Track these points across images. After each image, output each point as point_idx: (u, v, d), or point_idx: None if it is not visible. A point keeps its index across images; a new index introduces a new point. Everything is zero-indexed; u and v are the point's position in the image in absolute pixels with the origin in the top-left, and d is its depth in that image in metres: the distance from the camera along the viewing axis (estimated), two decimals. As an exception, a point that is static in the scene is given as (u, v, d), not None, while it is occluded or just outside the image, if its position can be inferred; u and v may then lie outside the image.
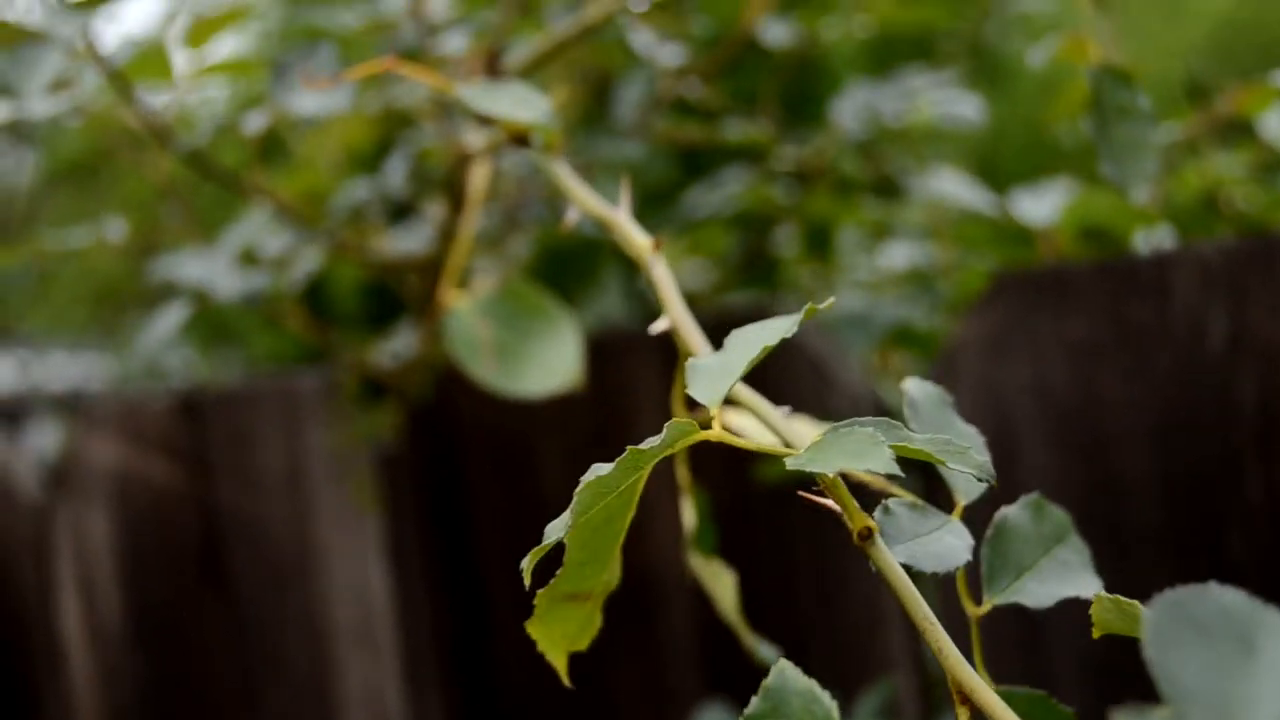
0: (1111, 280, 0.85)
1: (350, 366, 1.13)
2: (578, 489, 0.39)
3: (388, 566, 1.15)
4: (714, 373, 0.41)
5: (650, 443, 0.38)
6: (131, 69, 0.89)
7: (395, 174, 1.02)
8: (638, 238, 0.54)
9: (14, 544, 1.35)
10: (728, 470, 1.01)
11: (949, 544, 0.41)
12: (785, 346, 0.53)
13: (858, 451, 0.35)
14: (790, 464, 0.37)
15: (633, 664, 1.07)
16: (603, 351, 1.04)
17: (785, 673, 0.35)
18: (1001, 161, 1.18)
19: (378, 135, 1.09)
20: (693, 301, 1.11)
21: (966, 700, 0.36)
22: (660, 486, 1.00)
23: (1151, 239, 0.87)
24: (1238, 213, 0.91)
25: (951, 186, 0.91)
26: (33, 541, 1.33)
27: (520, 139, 0.63)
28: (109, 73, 0.84)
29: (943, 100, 0.92)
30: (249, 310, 1.09)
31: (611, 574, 0.44)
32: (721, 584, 0.56)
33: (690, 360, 0.42)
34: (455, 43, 0.87)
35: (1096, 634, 0.37)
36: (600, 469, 0.38)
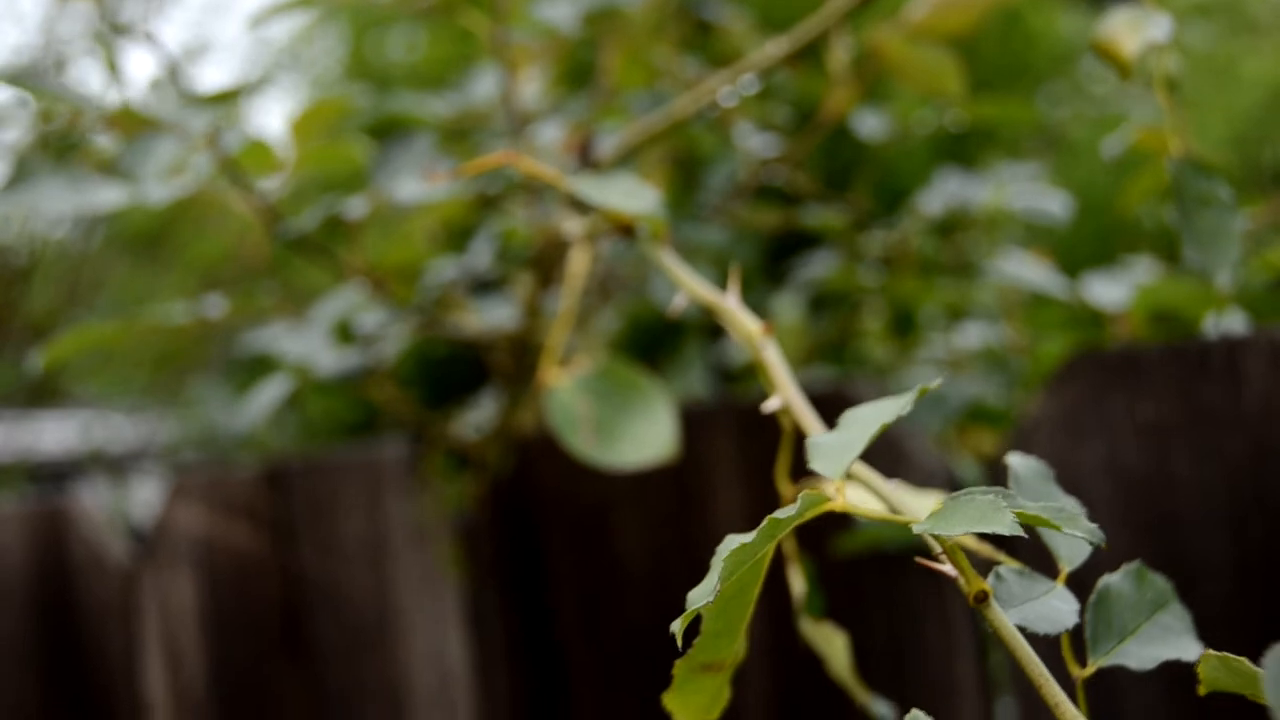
0: (1183, 362, 0.88)
1: (434, 438, 1.17)
2: (719, 556, 0.42)
3: (466, 634, 1.18)
4: (835, 449, 0.45)
5: (785, 512, 0.41)
6: (242, 158, 0.94)
7: (483, 254, 1.07)
8: (748, 323, 0.58)
9: (102, 608, 1.39)
10: (803, 543, 1.04)
11: (1057, 607, 0.44)
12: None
13: (982, 516, 0.38)
14: (917, 529, 0.40)
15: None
16: (685, 427, 1.08)
17: (919, 717, 0.38)
18: (1070, 243, 1.21)
19: (468, 216, 1.14)
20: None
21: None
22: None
23: (1223, 323, 0.90)
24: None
25: (1025, 270, 0.95)
26: (120, 606, 1.37)
27: (626, 228, 0.67)
28: (223, 160, 0.89)
29: (1029, 194, 0.96)
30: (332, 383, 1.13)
31: (740, 645, 0.47)
32: (834, 646, 0.59)
33: (812, 438, 0.45)
34: (550, 133, 0.91)
35: (1203, 691, 0.40)
36: (739, 537, 0.41)
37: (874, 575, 1.01)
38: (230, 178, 0.89)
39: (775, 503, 0.88)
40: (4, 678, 1.45)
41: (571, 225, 0.80)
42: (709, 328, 1.16)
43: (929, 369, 1.02)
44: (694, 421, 1.08)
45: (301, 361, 0.93)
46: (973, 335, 1.03)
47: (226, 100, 0.85)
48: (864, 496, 0.48)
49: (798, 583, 0.60)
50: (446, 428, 1.17)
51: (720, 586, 0.41)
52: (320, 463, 1.24)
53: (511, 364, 1.09)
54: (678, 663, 0.47)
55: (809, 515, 0.42)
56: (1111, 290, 0.90)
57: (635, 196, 0.63)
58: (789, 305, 1.04)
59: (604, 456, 0.72)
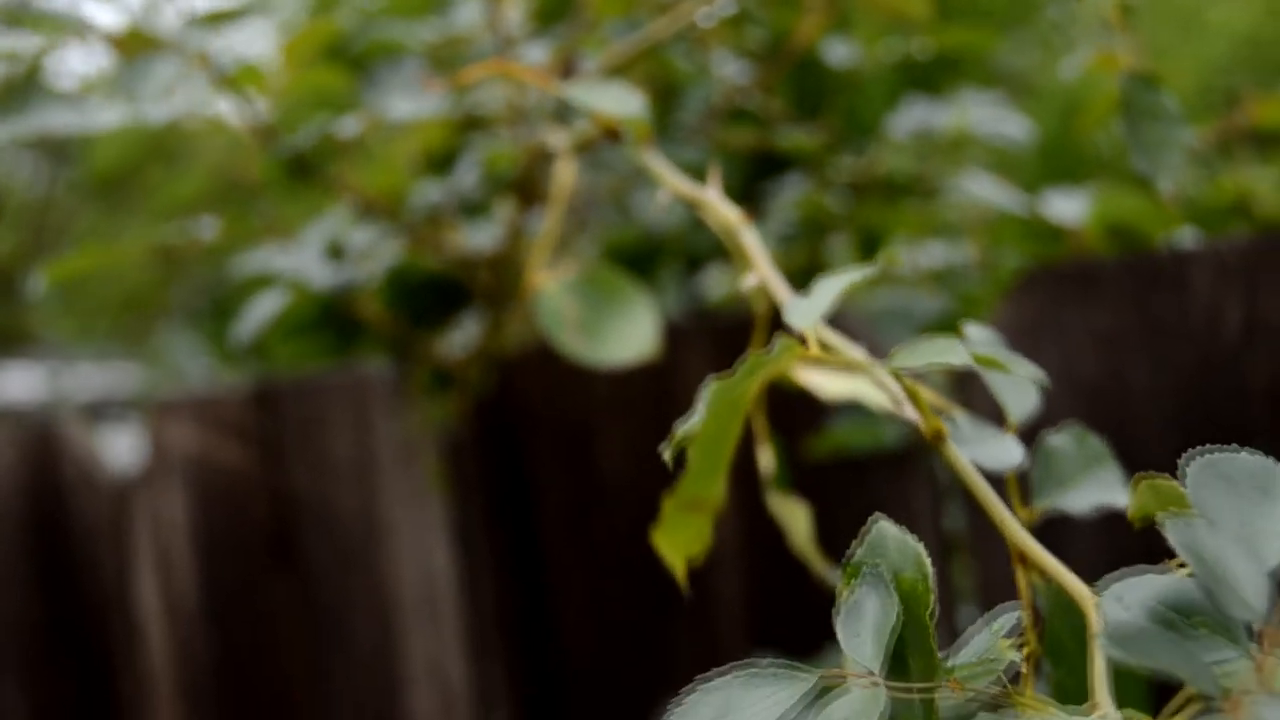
0: (1135, 275, 0.93)
1: (419, 358, 1.21)
2: (704, 391, 0.46)
3: (452, 545, 1.23)
4: (807, 306, 0.50)
5: (764, 352, 0.46)
6: (237, 79, 0.98)
7: (467, 175, 1.11)
8: (728, 211, 0.63)
9: (94, 527, 1.43)
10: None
11: (1006, 449, 0.49)
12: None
13: (940, 352, 0.43)
14: (885, 365, 0.45)
15: (687, 632, 1.14)
16: (664, 342, 1.12)
17: (882, 524, 0.43)
18: (1036, 177, 1.26)
19: (451, 140, 1.18)
20: (739, 305, 1.19)
21: (1024, 559, 0.44)
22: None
23: (1176, 239, 0.95)
24: (1266, 217, 0.99)
25: (985, 188, 1.00)
26: (112, 524, 1.42)
27: (612, 133, 0.71)
28: (221, 79, 0.93)
29: (990, 119, 1.01)
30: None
31: (721, 488, 0.52)
32: (797, 517, 0.64)
33: (788, 299, 0.50)
34: (534, 54, 0.95)
35: (1133, 516, 0.45)
36: (721, 376, 0.46)
37: (841, 477, 1.07)
38: (228, 96, 0.93)
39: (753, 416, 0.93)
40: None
41: (557, 137, 0.84)
42: (686, 256, 1.21)
43: (895, 287, 1.07)
44: (672, 338, 1.13)
45: (296, 276, 0.97)
46: (937, 254, 1.08)
47: (224, 20, 0.89)
48: (834, 341, 0.52)
49: (767, 459, 0.65)
50: (431, 347, 1.22)
51: (704, 423, 0.46)
52: (309, 383, 1.28)
53: (495, 283, 1.14)
54: (665, 501, 0.52)
55: (786, 360, 0.47)
56: (1068, 205, 0.95)
57: (622, 101, 0.68)
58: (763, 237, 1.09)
59: (590, 353, 0.77)
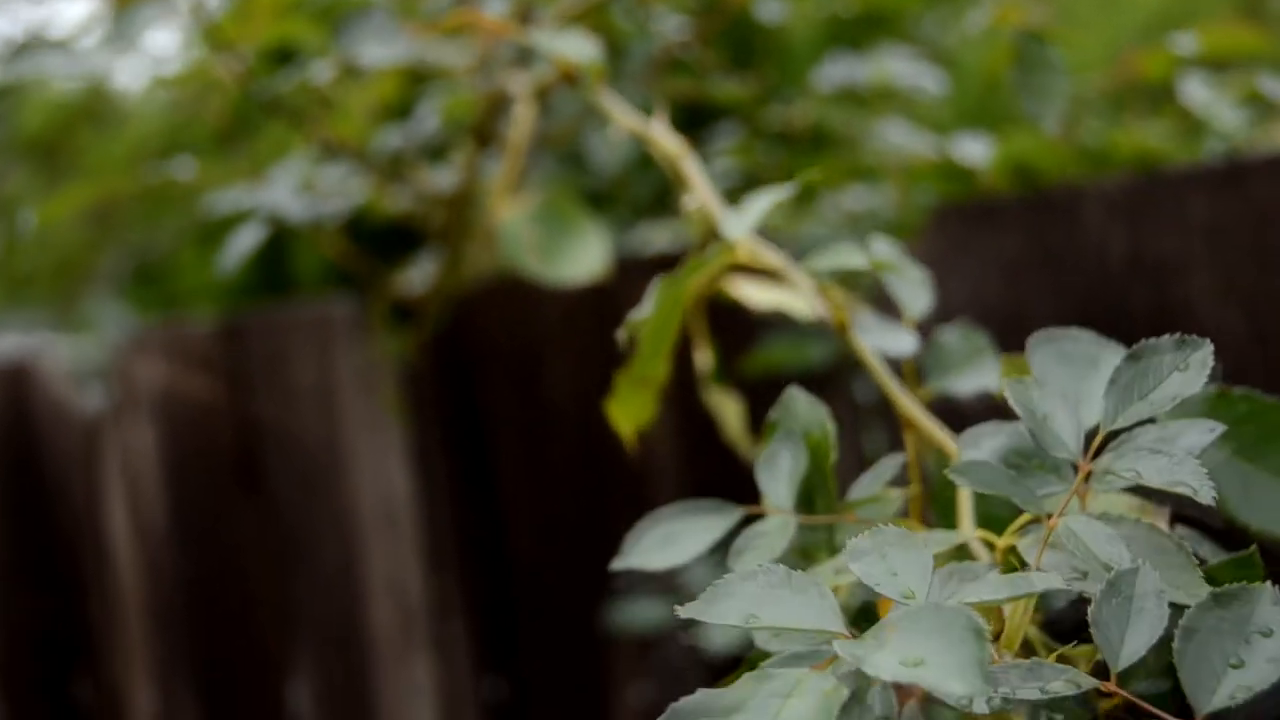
0: (1033, 211, 1.03)
1: (380, 292, 1.30)
2: (652, 287, 0.56)
3: (410, 468, 1.33)
4: (739, 218, 0.59)
5: (703, 255, 0.56)
6: (217, 27, 1.06)
7: (428, 119, 1.20)
8: (671, 141, 0.72)
9: (66, 458, 1.51)
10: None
11: (903, 339, 0.59)
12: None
13: (846, 257, 0.53)
14: (805, 265, 0.55)
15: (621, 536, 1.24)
16: (606, 276, 1.22)
17: (794, 392, 0.53)
18: (946, 121, 1.36)
19: (408, 91, 1.26)
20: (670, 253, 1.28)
21: (910, 424, 0.54)
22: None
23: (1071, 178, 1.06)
24: (1154, 162, 1.09)
25: (902, 136, 1.10)
26: (83, 454, 1.49)
27: (570, 77, 0.81)
28: (206, 26, 1.01)
29: (910, 73, 1.11)
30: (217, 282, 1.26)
31: (664, 369, 0.61)
32: (730, 409, 0.74)
33: (723, 212, 0.60)
34: (495, 7, 1.04)
35: (999, 387, 0.55)
36: (666, 275, 0.56)
37: (770, 395, 1.17)
38: (212, 43, 1.01)
39: (691, 343, 1.03)
40: (-26, 522, 1.56)
41: (518, 81, 0.93)
42: (631, 206, 1.30)
43: (822, 229, 1.17)
44: (619, 272, 1.22)
45: (274, 209, 1.05)
46: (860, 198, 1.18)
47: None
48: (762, 250, 0.62)
49: (704, 359, 0.75)
50: (391, 284, 1.31)
51: (652, 313, 0.56)
52: (274, 318, 1.37)
53: (454, 223, 1.23)
54: (619, 377, 0.61)
55: (721, 261, 0.57)
56: (976, 148, 1.06)
57: (580, 47, 0.77)
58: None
59: (548, 273, 0.86)
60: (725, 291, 0.74)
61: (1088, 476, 0.46)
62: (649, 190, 1.27)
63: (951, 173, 1.06)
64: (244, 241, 1.09)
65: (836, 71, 1.17)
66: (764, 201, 0.59)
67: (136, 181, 1.15)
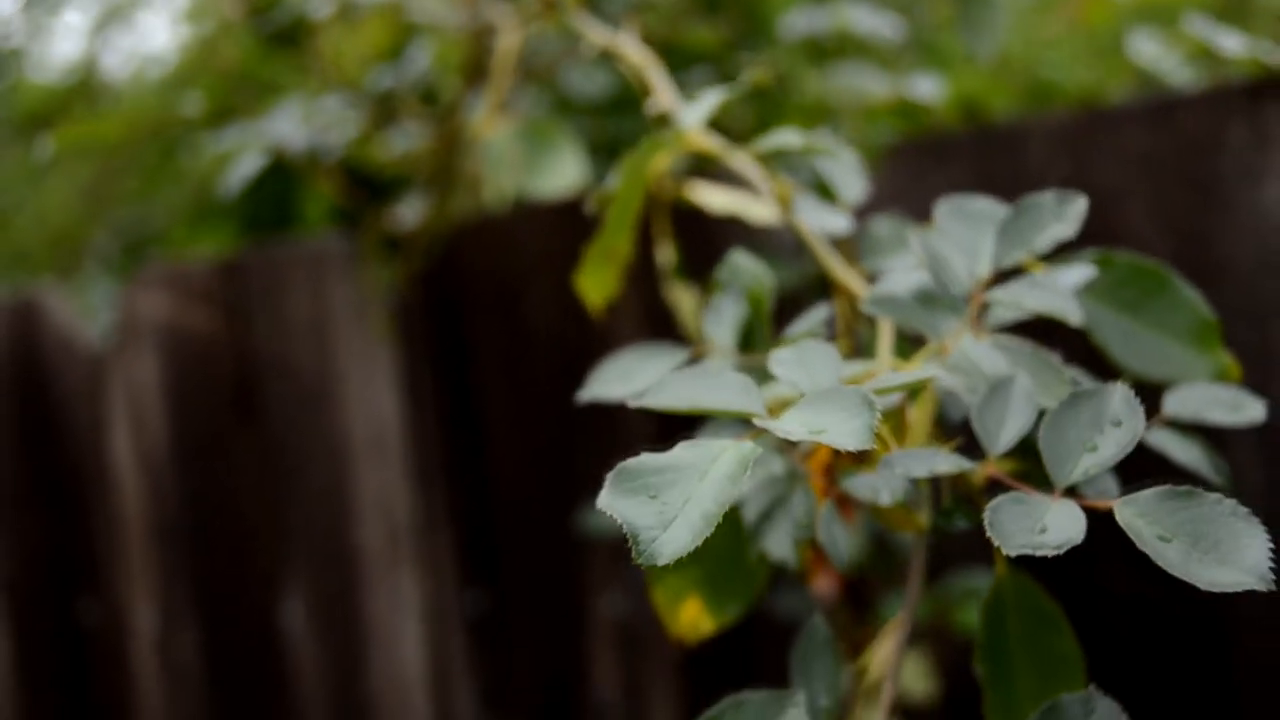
0: (980, 144, 1.11)
1: (373, 228, 1.38)
2: (617, 165, 0.64)
3: (399, 393, 1.40)
4: (692, 109, 0.67)
5: (661, 135, 0.63)
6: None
7: (418, 60, 1.27)
8: (638, 53, 0.80)
9: (72, 388, 1.59)
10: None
11: (838, 219, 0.67)
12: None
13: (785, 142, 0.61)
14: (747, 150, 0.63)
15: (599, 455, 1.32)
16: (576, 210, 1.30)
17: (736, 252, 0.61)
18: (901, 67, 1.44)
19: (399, 38, 1.34)
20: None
21: (841, 288, 0.62)
22: (622, 314, 1.27)
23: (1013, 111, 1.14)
24: (1091, 100, 1.17)
25: (860, 77, 1.18)
26: (88, 385, 1.57)
27: (550, 5, 0.88)
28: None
29: (868, 20, 1.19)
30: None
31: (627, 244, 0.69)
32: (686, 301, 0.82)
33: (676, 105, 0.68)
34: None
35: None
36: (629, 152, 0.64)
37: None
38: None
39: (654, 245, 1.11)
40: (-17, 449, 1.64)
41: (502, 12, 1.01)
42: (610, 145, 1.38)
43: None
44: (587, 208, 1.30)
45: (279, 139, 1.13)
46: (824, 138, 1.26)
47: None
48: (712, 139, 0.70)
49: (667, 253, 0.83)
50: (383, 220, 1.38)
51: (618, 188, 0.64)
52: (271, 253, 1.44)
53: (442, 160, 1.30)
54: (587, 251, 0.69)
55: (676, 143, 0.64)
56: (928, 86, 1.14)
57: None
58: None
59: (529, 186, 0.94)
60: (686, 197, 0.82)
61: (981, 308, 0.54)
62: (628, 130, 1.34)
63: (906, 111, 1.13)
64: (246, 167, 1.17)
65: (801, 22, 1.24)
66: (714, 97, 0.67)
67: (152, 118, 1.23)
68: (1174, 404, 0.57)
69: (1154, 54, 1.22)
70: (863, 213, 1.16)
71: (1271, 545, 0.43)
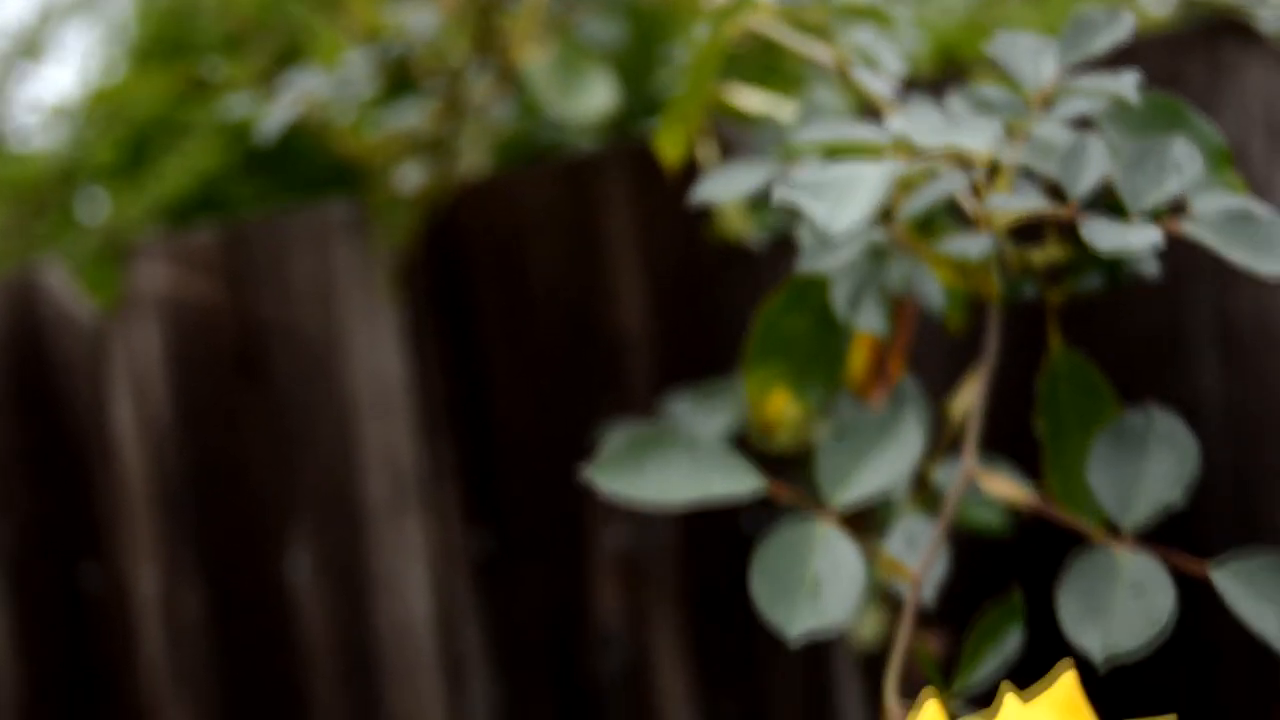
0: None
1: (381, 188, 1.46)
2: (689, 40, 0.73)
3: (404, 350, 1.47)
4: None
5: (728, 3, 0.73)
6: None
7: (426, 25, 1.36)
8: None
9: (73, 361, 1.63)
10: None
11: (886, 86, 0.77)
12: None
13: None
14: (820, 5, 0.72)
15: (605, 409, 1.40)
16: (582, 170, 1.38)
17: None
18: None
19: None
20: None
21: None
22: (620, 267, 1.36)
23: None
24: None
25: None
26: (89, 357, 1.62)
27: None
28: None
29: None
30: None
31: (698, 114, 0.78)
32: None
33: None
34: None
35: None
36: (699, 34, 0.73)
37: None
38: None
39: (657, 215, 1.20)
40: (-17, 426, 1.68)
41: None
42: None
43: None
44: (591, 166, 1.39)
45: (312, 91, 1.21)
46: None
47: None
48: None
49: (709, 151, 0.92)
50: (390, 181, 1.46)
51: (694, 58, 0.73)
52: (274, 222, 1.51)
53: (450, 119, 1.39)
54: (666, 113, 0.78)
55: (746, 9, 0.74)
56: (910, 34, 1.25)
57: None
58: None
59: (564, 108, 1.03)
60: (726, 101, 0.92)
61: (1048, 98, 0.64)
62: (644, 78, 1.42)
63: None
64: (280, 115, 1.24)
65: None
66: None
67: (175, 78, 1.30)
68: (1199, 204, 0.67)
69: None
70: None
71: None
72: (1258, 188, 1.02)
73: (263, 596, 1.53)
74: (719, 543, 1.34)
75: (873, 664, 1.21)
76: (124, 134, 1.81)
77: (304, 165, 1.82)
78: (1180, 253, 1.02)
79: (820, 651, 1.26)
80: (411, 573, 1.47)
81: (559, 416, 1.43)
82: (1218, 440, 1.08)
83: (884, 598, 1.04)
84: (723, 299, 1.32)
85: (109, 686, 1.61)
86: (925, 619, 0.96)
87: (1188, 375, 1.07)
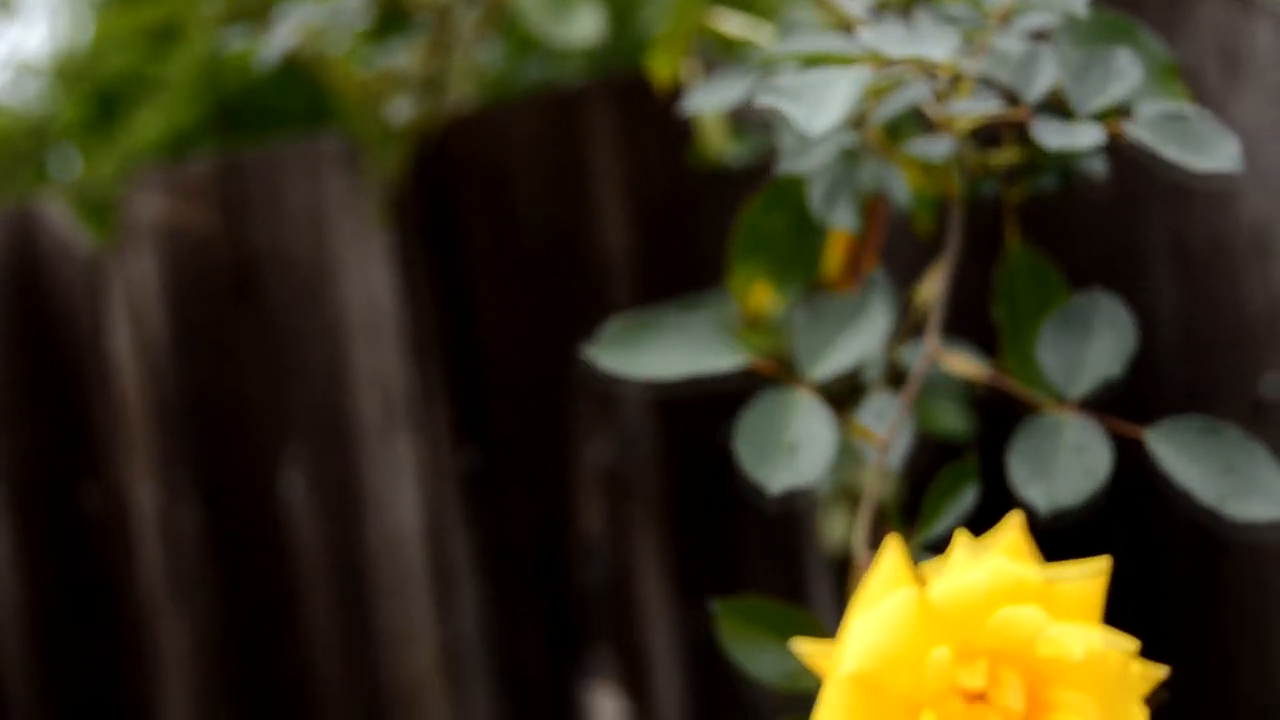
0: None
1: (372, 119, 1.51)
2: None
3: (394, 275, 1.53)
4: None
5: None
6: None
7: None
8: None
9: (71, 289, 1.68)
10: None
11: (858, 6, 0.83)
12: None
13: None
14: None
15: (585, 333, 1.46)
16: (568, 103, 1.44)
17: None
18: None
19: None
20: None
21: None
22: (606, 198, 1.42)
23: None
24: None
25: None
26: (87, 285, 1.67)
27: None
28: None
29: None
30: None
31: (687, 35, 0.84)
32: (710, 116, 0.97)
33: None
34: None
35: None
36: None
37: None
38: None
39: (641, 146, 1.26)
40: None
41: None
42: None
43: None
44: (577, 98, 1.44)
45: (304, 20, 1.26)
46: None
47: None
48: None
49: (692, 71, 0.98)
50: (382, 111, 1.52)
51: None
52: (268, 152, 1.56)
53: (439, 55, 1.44)
54: (658, 36, 0.84)
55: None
56: None
57: None
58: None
59: (558, 32, 1.09)
60: (711, 26, 0.98)
61: (1007, 14, 0.70)
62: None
63: None
64: (279, 42, 1.29)
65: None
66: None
67: (163, 14, 1.35)
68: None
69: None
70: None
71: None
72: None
73: (258, 513, 1.59)
74: (699, 459, 1.41)
75: (843, 567, 1.28)
76: (91, 89, 1.85)
77: (275, 116, 1.86)
78: (1135, 175, 1.09)
79: (794, 557, 1.33)
80: (402, 490, 1.53)
81: (545, 340, 1.49)
82: (1170, 355, 1.15)
83: (851, 499, 1.11)
84: (705, 227, 1.38)
85: (109, 599, 1.67)
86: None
87: (1141, 292, 1.14)
